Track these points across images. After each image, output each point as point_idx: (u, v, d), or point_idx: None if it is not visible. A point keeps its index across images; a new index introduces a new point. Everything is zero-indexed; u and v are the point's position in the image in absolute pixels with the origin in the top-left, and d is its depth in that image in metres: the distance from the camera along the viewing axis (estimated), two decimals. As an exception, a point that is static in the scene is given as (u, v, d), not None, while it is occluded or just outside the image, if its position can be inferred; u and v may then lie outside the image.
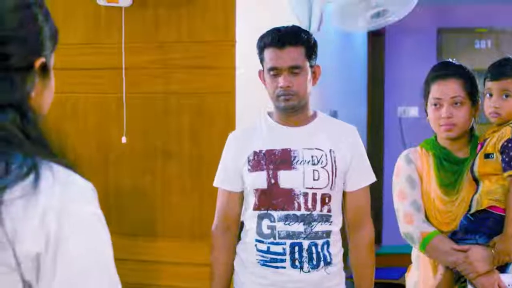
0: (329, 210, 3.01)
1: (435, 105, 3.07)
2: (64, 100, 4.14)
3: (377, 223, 7.20)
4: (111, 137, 4.09)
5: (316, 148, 3.02)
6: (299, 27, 3.09)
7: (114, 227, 4.04)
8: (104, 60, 4.09)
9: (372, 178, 3.15)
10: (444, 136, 3.08)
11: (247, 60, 3.96)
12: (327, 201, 3.00)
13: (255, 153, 3.04)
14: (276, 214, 2.98)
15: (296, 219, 2.97)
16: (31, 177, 1.29)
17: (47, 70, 1.48)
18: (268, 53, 3.00)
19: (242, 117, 3.89)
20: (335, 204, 3.04)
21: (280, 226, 2.97)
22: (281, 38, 2.98)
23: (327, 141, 3.04)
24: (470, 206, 2.95)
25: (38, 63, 1.43)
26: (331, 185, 3.00)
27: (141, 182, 4.07)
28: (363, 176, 3.11)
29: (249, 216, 3.07)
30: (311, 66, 3.02)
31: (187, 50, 3.95)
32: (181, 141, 3.98)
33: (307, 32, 3.08)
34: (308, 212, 2.97)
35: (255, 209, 3.03)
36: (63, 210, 1.30)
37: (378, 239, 7.55)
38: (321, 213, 2.99)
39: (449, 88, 3.04)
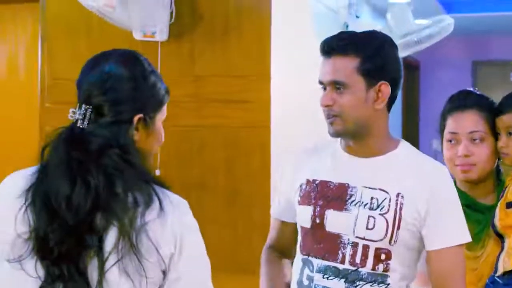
0: (386, 270, 2.31)
1: (450, 141, 2.64)
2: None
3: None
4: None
5: (380, 189, 2.33)
6: (371, 32, 2.43)
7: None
8: (140, 93, 4.11)
9: (462, 238, 2.35)
10: (461, 178, 2.62)
11: (282, 94, 3.96)
12: (383, 258, 2.31)
13: (308, 182, 2.45)
14: (316, 262, 2.38)
15: (337, 273, 2.34)
16: (156, 202, 1.83)
17: (148, 123, 1.93)
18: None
19: (277, 151, 3.88)
20: (400, 264, 2.33)
21: (318, 279, 2.37)
22: (329, 44, 2.36)
23: (397, 181, 2.33)
24: (496, 266, 2.47)
25: (136, 118, 1.89)
26: (390, 238, 2.29)
27: (175, 215, 4.06)
28: (447, 232, 2.33)
29: (296, 258, 2.51)
30: (370, 84, 2.32)
31: (223, 83, 3.96)
32: (216, 175, 3.98)
33: (374, 38, 2.38)
34: (354, 268, 2.31)
35: (300, 251, 2.47)
36: (181, 222, 1.89)
37: None
38: (373, 271, 2.31)
39: (467, 121, 2.61)
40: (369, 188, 2.33)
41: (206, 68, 4.01)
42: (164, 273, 1.84)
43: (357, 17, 5.26)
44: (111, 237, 1.77)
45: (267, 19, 3.87)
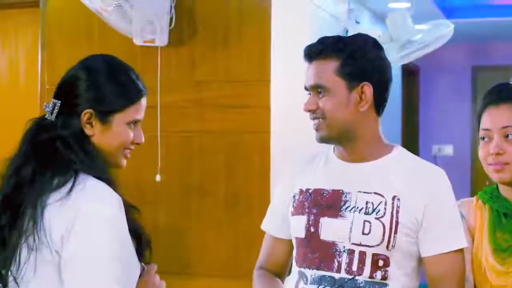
0: (384, 277, 2.20)
1: (483, 138, 2.35)
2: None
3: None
4: (146, 175, 4.10)
5: (375, 193, 2.24)
6: (354, 35, 2.38)
7: (149, 266, 4.08)
8: (140, 99, 4.12)
9: (458, 243, 2.25)
10: (495, 178, 2.35)
11: (282, 99, 3.97)
12: (381, 264, 2.20)
13: (301, 191, 2.36)
14: (310, 274, 2.26)
15: (333, 283, 2.22)
16: (67, 187, 1.93)
17: (103, 120, 2.03)
18: None
19: (277, 156, 3.88)
20: (399, 272, 2.23)
21: None
22: (310, 48, 2.32)
23: (392, 185, 2.25)
24: None
25: (84, 112, 2.02)
26: (388, 243, 2.19)
27: (176, 220, 4.06)
28: (443, 237, 2.23)
29: (292, 273, 2.39)
30: (351, 86, 2.25)
31: (223, 89, 3.97)
32: (216, 180, 3.98)
33: (356, 40, 2.32)
34: (350, 277, 2.20)
35: (295, 264, 2.35)
36: (79, 208, 1.90)
37: None
38: (370, 280, 2.20)
39: (500, 116, 2.32)
40: (364, 192, 2.25)
41: (206, 74, 4.01)
42: (58, 253, 1.90)
43: (357, 22, 5.27)
44: (25, 215, 1.93)
45: (267, 25, 3.88)
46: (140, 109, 2.10)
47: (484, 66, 8.42)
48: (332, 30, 4.51)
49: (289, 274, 2.46)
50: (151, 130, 4.07)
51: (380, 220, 2.21)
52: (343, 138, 2.29)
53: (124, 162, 2.16)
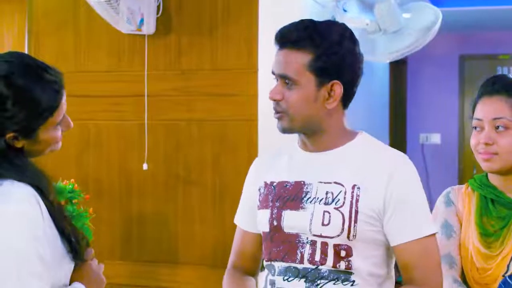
0: (348, 267, 2.15)
1: (475, 128, 2.40)
2: (86, 127, 4.17)
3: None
4: (133, 164, 4.10)
5: (335, 182, 2.18)
6: (330, 25, 2.24)
7: (135, 254, 4.09)
8: (127, 87, 4.11)
9: (427, 229, 2.16)
10: (484, 167, 2.40)
11: (270, 87, 3.96)
12: (343, 255, 2.15)
13: (266, 185, 2.32)
14: (277, 265, 2.23)
15: (297, 273, 2.20)
16: None
17: (29, 136, 2.00)
18: None
19: (265, 145, 3.88)
20: (364, 261, 2.17)
21: (279, 282, 2.22)
22: (283, 34, 2.22)
23: (352, 173, 2.18)
24: (508, 266, 2.30)
25: (7, 137, 1.98)
26: (348, 233, 2.14)
27: (163, 209, 4.06)
28: (410, 224, 2.15)
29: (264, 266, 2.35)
30: (321, 82, 2.16)
31: (210, 77, 3.96)
32: (203, 169, 3.98)
33: (333, 33, 2.19)
34: (313, 267, 2.16)
35: (264, 257, 2.33)
36: None
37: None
38: (334, 269, 2.15)
39: (491, 107, 2.37)
40: (324, 182, 2.18)
41: (193, 62, 4.01)
42: None
43: (345, 11, 5.26)
44: None
45: (254, 13, 3.87)
46: (62, 110, 2.05)
47: (472, 54, 8.43)
48: (320, 18, 4.50)
49: (262, 269, 2.39)
50: (138, 119, 4.07)
51: (339, 210, 2.14)
52: (306, 130, 2.22)
53: (59, 146, 2.11)
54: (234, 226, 3.90)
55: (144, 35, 3.99)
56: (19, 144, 2.01)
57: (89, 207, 3.59)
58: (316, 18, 2.25)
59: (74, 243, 2.04)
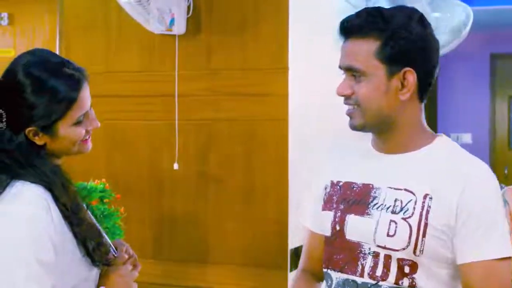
0: (412, 285, 1.95)
1: None
2: (117, 127, 4.18)
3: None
4: (163, 163, 4.11)
5: (405, 189, 1.99)
6: (396, 8, 2.05)
7: (166, 253, 4.10)
8: (157, 87, 4.12)
9: (496, 252, 1.92)
10: None
11: (300, 86, 3.95)
12: (407, 271, 1.95)
13: (332, 184, 2.16)
14: (334, 276, 2.08)
15: None
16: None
17: (48, 131, 2.01)
18: None
19: (295, 144, 3.87)
20: (429, 280, 1.97)
21: None
22: (346, 24, 2.03)
23: (425, 181, 1.98)
24: None
25: (27, 131, 2.00)
26: (415, 247, 1.94)
27: (193, 208, 4.07)
28: (480, 243, 1.92)
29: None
30: (391, 71, 1.98)
31: (240, 77, 3.96)
32: (233, 168, 3.98)
33: (399, 15, 2.00)
34: (373, 282, 1.98)
35: (323, 263, 2.16)
36: None
37: None
38: (396, 286, 1.96)
39: None
40: (394, 188, 2.00)
41: (223, 62, 4.01)
42: None
43: (375, 10, 5.24)
44: None
45: (284, 12, 3.86)
46: (82, 105, 2.04)
47: (503, 53, 8.37)
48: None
49: None
50: (168, 118, 4.07)
51: (407, 221, 1.95)
52: (379, 128, 2.04)
53: (87, 148, 2.12)
54: (263, 224, 3.92)
55: (175, 35, 3.99)
56: (40, 141, 2.02)
57: (120, 206, 3.61)
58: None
59: (90, 248, 2.01)
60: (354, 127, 2.05)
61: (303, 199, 2.40)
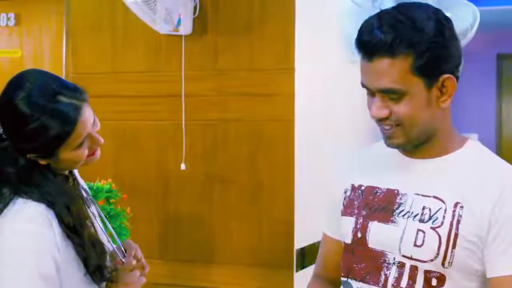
0: None
1: None
2: (123, 127, 4.19)
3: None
4: (170, 164, 4.11)
5: (434, 197, 1.87)
6: (415, 12, 1.84)
7: (172, 253, 4.10)
8: (163, 87, 4.12)
9: None
10: None
11: (306, 87, 3.95)
12: (434, 283, 1.84)
13: (353, 188, 2.05)
14: (355, 285, 1.97)
15: None
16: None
17: (49, 157, 2.02)
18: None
19: (301, 145, 3.87)
20: None
21: None
22: (368, 43, 1.82)
23: (456, 188, 1.86)
24: None
25: (30, 156, 2.01)
26: (443, 259, 1.82)
27: (199, 208, 4.07)
28: (509, 255, 1.81)
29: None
30: (430, 82, 1.84)
31: (246, 77, 3.96)
32: (239, 168, 3.98)
33: (424, 21, 1.81)
34: None
35: (341, 272, 2.06)
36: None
37: None
38: None
39: None
40: (422, 195, 1.89)
41: (230, 62, 4.00)
42: None
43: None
44: None
45: (291, 12, 3.86)
46: (82, 131, 2.02)
47: (510, 54, 8.35)
48: (357, 17, 4.49)
49: None
50: (175, 119, 4.08)
51: (436, 231, 1.84)
52: (422, 140, 1.91)
53: (94, 159, 2.13)
54: (270, 226, 3.91)
55: (181, 35, 3.99)
56: (43, 162, 2.04)
57: (126, 206, 3.61)
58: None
59: (90, 269, 2.01)
60: (396, 146, 1.94)
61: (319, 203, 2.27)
